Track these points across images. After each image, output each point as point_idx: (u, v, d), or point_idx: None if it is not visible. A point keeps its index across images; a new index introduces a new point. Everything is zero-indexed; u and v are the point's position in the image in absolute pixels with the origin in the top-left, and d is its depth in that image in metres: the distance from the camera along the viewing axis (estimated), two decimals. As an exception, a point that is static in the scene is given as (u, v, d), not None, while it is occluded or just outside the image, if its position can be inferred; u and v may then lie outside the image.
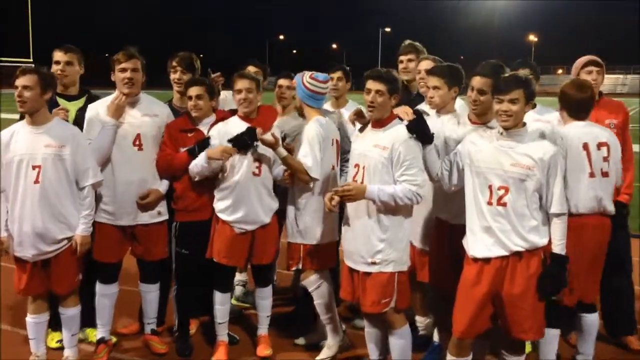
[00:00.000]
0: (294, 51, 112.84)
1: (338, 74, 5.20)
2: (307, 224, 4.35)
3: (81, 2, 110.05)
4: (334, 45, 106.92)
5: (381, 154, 3.79)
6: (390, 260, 3.83)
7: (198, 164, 4.26)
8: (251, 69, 5.25)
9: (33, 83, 3.91)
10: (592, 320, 4.24)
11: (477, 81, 3.87)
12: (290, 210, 4.40)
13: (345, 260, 4.02)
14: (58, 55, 4.55)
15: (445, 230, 4.11)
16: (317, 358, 4.55)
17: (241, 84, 4.32)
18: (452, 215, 4.04)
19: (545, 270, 3.61)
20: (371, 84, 3.83)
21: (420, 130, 3.79)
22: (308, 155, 4.17)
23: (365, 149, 3.88)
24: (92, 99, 4.63)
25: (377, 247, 3.82)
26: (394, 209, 3.80)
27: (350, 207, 3.95)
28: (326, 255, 4.41)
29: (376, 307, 3.87)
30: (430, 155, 3.85)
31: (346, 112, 4.86)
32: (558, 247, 3.60)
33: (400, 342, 3.98)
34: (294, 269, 4.53)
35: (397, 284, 3.86)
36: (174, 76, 4.84)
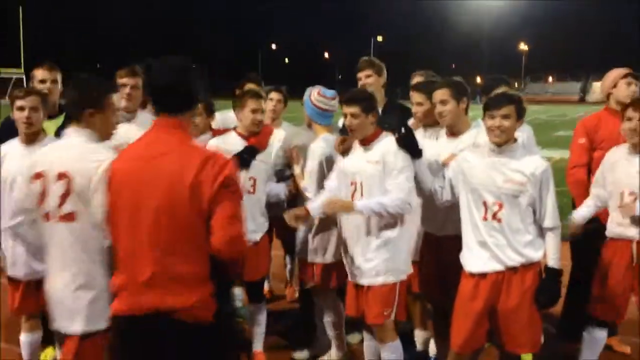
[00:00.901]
0: (286, 60, 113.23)
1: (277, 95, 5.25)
2: (320, 242, 4.37)
3: (73, 13, 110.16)
4: (326, 55, 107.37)
5: (375, 167, 3.82)
6: (392, 269, 3.85)
7: None
8: (250, 85, 5.25)
9: (38, 104, 3.94)
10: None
11: (437, 94, 3.98)
12: (302, 228, 4.38)
13: (349, 277, 4.03)
14: (43, 73, 4.58)
15: (432, 243, 4.14)
16: None
17: (257, 104, 4.35)
18: (438, 228, 4.09)
19: (541, 284, 3.66)
20: (345, 108, 3.88)
21: (408, 144, 3.80)
22: (308, 176, 4.26)
23: (359, 166, 3.90)
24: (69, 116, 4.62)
25: (378, 258, 3.83)
26: (391, 220, 3.81)
27: (347, 223, 3.96)
28: (340, 273, 4.37)
29: (379, 318, 3.88)
30: (420, 169, 3.85)
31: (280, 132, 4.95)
32: (552, 261, 3.65)
33: (391, 356, 3.98)
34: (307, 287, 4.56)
35: (397, 294, 3.88)
36: None
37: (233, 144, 4.33)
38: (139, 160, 2.73)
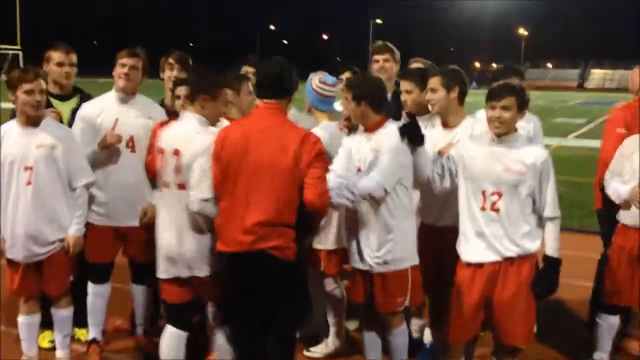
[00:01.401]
0: (285, 42, 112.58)
1: (347, 74, 5.07)
2: (324, 228, 4.36)
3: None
4: (325, 37, 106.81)
5: (374, 155, 3.79)
6: (401, 258, 3.82)
7: None
8: (249, 69, 5.18)
9: (44, 87, 3.91)
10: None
11: (429, 82, 4.00)
12: None
13: (353, 264, 3.96)
14: (58, 56, 4.50)
15: (429, 233, 4.11)
16: (312, 349, 4.61)
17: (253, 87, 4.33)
18: (435, 219, 4.09)
19: (540, 274, 3.68)
20: (344, 103, 3.98)
21: (411, 133, 3.73)
22: None
23: (362, 154, 3.87)
24: (84, 98, 4.62)
25: (385, 247, 3.79)
26: (394, 207, 3.77)
27: (352, 210, 3.90)
28: (342, 260, 4.39)
29: (392, 307, 3.88)
30: (420, 157, 3.78)
31: None
32: (551, 250, 3.67)
33: (399, 340, 4.00)
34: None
35: (411, 281, 3.86)
36: (169, 74, 4.79)
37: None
38: (247, 132, 3.48)
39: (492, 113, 3.62)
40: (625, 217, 4.29)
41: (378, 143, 3.78)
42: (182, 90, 4.29)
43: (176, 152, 3.66)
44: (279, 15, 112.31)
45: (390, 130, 3.78)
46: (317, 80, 4.38)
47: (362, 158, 3.85)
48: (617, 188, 4.25)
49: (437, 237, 4.02)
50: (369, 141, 3.85)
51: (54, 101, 4.48)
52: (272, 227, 3.42)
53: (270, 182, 3.39)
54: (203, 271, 3.77)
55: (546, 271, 3.68)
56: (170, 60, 4.81)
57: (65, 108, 4.50)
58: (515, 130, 3.68)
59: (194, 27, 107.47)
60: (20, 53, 47.27)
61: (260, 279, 3.49)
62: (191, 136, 3.66)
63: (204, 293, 3.91)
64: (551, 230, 3.67)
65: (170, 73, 4.79)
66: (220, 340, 4.13)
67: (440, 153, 3.92)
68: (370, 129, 3.86)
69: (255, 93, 4.36)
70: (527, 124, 4.38)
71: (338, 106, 4.60)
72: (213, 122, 3.83)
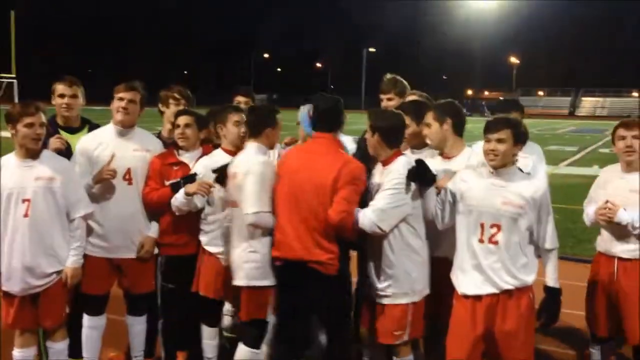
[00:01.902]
0: (279, 69, 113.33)
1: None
2: None
3: (64, 15, 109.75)
4: (319, 65, 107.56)
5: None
6: (402, 293, 3.88)
7: (178, 198, 4.26)
8: (240, 99, 5.26)
9: (45, 120, 3.94)
10: None
11: (426, 117, 4.07)
12: None
13: (361, 289, 4.13)
14: (61, 88, 4.53)
15: None
16: None
17: (239, 116, 4.37)
18: (431, 250, 4.07)
19: (543, 304, 3.76)
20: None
21: (420, 176, 3.78)
22: None
23: (375, 186, 3.94)
24: (93, 129, 4.65)
25: (386, 281, 3.88)
26: (395, 244, 3.83)
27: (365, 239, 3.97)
28: None
29: (389, 339, 3.93)
30: (428, 197, 3.85)
31: None
32: (552, 281, 3.75)
33: None
34: None
35: (410, 316, 3.90)
36: (174, 109, 4.74)
37: (220, 159, 4.31)
38: (301, 155, 4.04)
39: (487, 146, 3.66)
40: (599, 244, 4.35)
41: (385, 178, 3.84)
42: (182, 120, 4.42)
43: (234, 175, 4.04)
44: (272, 43, 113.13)
45: (398, 167, 3.82)
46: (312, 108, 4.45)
47: (373, 190, 3.92)
48: (588, 211, 4.31)
49: (433, 268, 4.02)
50: (381, 175, 3.92)
51: (63, 133, 4.52)
52: (315, 241, 3.78)
53: (316, 198, 3.77)
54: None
55: (549, 301, 3.76)
56: (176, 95, 4.83)
57: (74, 140, 4.50)
58: (514, 163, 3.72)
59: (185, 57, 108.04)
60: (15, 82, 47.39)
61: (304, 288, 3.88)
62: (248, 160, 4.02)
63: (241, 303, 4.15)
64: (551, 261, 3.75)
65: (175, 108, 4.75)
66: (205, 336, 4.40)
67: (437, 187, 3.91)
68: (383, 162, 3.93)
69: (245, 124, 4.43)
70: (530, 155, 4.37)
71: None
72: (272, 146, 4.35)
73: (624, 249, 4.14)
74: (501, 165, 3.66)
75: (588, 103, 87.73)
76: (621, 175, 4.22)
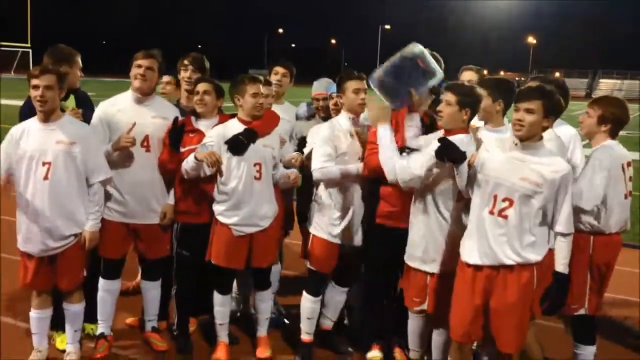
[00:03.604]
0: (293, 45, 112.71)
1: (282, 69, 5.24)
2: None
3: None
4: (333, 41, 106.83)
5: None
6: (427, 260, 4.02)
7: (188, 162, 4.28)
8: (279, 69, 5.23)
9: (53, 83, 3.94)
10: None
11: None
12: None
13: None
14: (47, 60, 4.47)
15: None
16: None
17: (256, 88, 4.34)
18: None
19: (548, 289, 3.64)
20: (443, 95, 3.89)
21: (446, 155, 3.67)
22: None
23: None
24: (78, 95, 4.63)
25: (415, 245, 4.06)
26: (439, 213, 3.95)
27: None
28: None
29: (412, 304, 4.13)
30: (461, 172, 3.72)
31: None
32: (561, 266, 3.62)
33: (439, 339, 4.19)
34: None
35: (428, 287, 4.04)
36: (184, 74, 4.87)
37: (233, 129, 4.34)
38: None
39: (515, 115, 3.54)
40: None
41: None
42: (201, 87, 4.45)
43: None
44: (287, 20, 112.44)
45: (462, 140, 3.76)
46: None
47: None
48: None
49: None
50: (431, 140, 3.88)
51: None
52: None
53: None
54: None
55: (555, 287, 3.64)
56: (185, 61, 4.88)
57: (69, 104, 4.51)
58: (541, 138, 3.58)
59: (201, 30, 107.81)
60: (30, 51, 47.51)
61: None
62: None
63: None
64: (563, 245, 3.61)
65: (184, 74, 4.86)
66: (217, 303, 4.49)
67: (469, 165, 3.79)
68: (447, 131, 3.86)
69: (267, 93, 4.49)
70: (565, 135, 4.27)
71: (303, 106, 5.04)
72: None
73: None
74: (526, 137, 3.52)
75: (605, 85, 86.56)
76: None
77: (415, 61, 4.15)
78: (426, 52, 4.18)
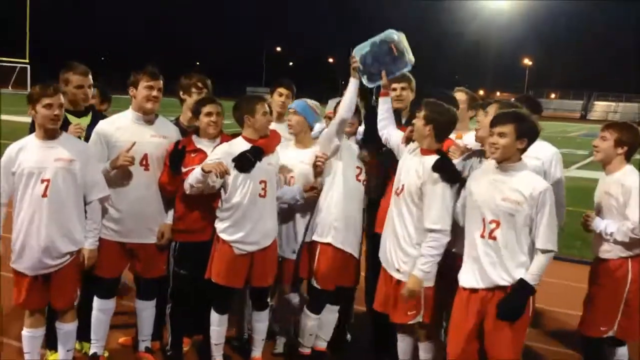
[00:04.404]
0: (290, 63, 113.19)
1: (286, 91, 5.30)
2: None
3: (79, 3, 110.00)
4: (331, 60, 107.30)
5: (417, 182, 4.02)
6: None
7: (194, 174, 4.27)
8: (282, 90, 5.29)
9: (62, 101, 3.98)
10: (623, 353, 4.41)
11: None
12: None
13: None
14: (79, 79, 4.53)
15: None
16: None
17: (265, 107, 4.42)
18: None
19: (508, 296, 3.65)
20: (417, 114, 4.05)
21: (443, 171, 3.94)
22: None
23: (410, 171, 4.10)
24: (96, 114, 4.69)
25: (403, 258, 4.06)
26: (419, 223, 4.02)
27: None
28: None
29: (405, 318, 4.10)
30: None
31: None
32: (529, 275, 3.62)
33: (426, 356, 4.20)
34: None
35: (424, 298, 4.05)
36: (198, 97, 4.77)
37: (239, 147, 4.37)
38: None
39: (490, 139, 3.71)
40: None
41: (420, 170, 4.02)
42: (214, 108, 4.49)
43: None
44: (285, 37, 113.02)
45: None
46: (309, 100, 4.76)
47: (407, 171, 4.15)
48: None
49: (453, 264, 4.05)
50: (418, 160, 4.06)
51: (70, 117, 4.53)
52: None
53: None
54: None
55: (514, 295, 3.63)
56: (199, 83, 4.86)
57: (82, 122, 4.52)
58: (520, 159, 3.71)
59: (199, 47, 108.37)
60: (28, 67, 47.63)
61: None
62: None
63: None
64: (539, 260, 3.62)
65: (197, 97, 4.78)
66: (214, 323, 4.47)
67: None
68: (426, 152, 4.04)
69: (273, 114, 4.65)
70: (546, 155, 4.42)
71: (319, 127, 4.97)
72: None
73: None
74: (502, 159, 3.68)
75: (600, 107, 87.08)
76: (603, 177, 4.32)
77: (390, 46, 4.42)
78: (403, 39, 4.43)
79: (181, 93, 4.91)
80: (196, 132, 4.56)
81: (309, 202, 4.64)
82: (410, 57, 4.43)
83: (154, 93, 4.37)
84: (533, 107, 4.44)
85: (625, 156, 4.21)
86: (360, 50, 4.50)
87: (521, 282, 3.62)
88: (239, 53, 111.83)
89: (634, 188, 4.05)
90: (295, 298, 4.87)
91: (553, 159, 4.48)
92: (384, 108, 4.54)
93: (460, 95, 4.86)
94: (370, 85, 4.54)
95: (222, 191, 4.35)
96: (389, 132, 4.49)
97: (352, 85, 4.48)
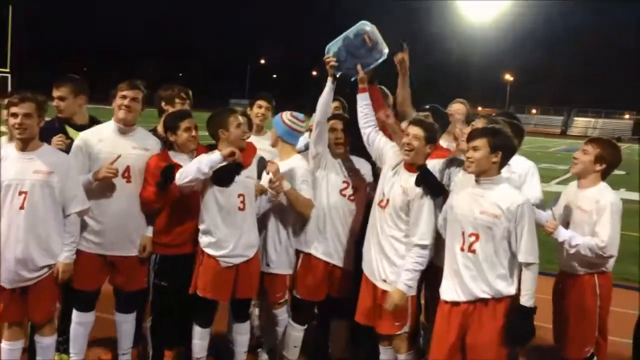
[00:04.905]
0: (274, 76, 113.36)
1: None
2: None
3: (62, 11, 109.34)
4: (314, 73, 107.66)
5: (403, 198, 4.04)
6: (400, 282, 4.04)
7: (212, 158, 4.15)
8: (262, 103, 5.32)
9: (32, 110, 3.91)
10: None
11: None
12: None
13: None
14: (53, 91, 4.55)
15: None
16: None
17: (240, 119, 4.40)
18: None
19: (512, 323, 3.68)
20: (411, 129, 4.04)
21: (426, 184, 4.00)
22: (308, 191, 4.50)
23: (394, 185, 4.12)
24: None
25: (390, 268, 4.08)
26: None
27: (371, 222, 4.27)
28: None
29: (392, 329, 4.13)
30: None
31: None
32: (524, 298, 3.67)
33: None
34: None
35: (410, 308, 4.10)
36: (180, 108, 4.81)
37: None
38: None
39: (466, 154, 3.79)
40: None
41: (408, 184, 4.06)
42: (193, 123, 4.47)
43: None
44: (269, 50, 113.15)
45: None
46: (289, 114, 4.64)
47: (391, 187, 4.17)
48: None
49: (435, 276, 4.10)
50: (406, 177, 4.09)
51: (70, 129, 4.55)
52: None
53: None
54: None
55: (518, 321, 3.67)
56: (182, 94, 4.88)
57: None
58: (498, 173, 3.76)
59: (181, 58, 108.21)
60: (9, 76, 47.24)
61: None
62: None
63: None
64: (527, 276, 3.67)
65: (181, 107, 4.81)
66: (196, 336, 4.42)
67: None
68: (413, 169, 4.08)
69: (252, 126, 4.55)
70: (522, 168, 4.41)
71: (303, 140, 4.91)
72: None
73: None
74: (477, 172, 3.74)
75: (580, 123, 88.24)
76: (573, 189, 4.36)
77: (364, 37, 4.42)
78: (375, 30, 4.44)
79: (163, 104, 4.89)
80: (171, 146, 4.50)
81: (283, 216, 4.61)
82: (384, 46, 4.42)
83: (126, 102, 4.34)
84: (511, 120, 4.38)
85: (602, 173, 4.21)
86: (333, 47, 4.48)
87: (520, 308, 3.65)
88: (223, 65, 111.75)
89: (609, 205, 4.06)
90: (283, 314, 4.80)
91: (529, 172, 4.46)
92: (363, 104, 4.50)
93: (458, 107, 4.95)
94: (347, 80, 4.50)
95: (201, 206, 4.33)
96: (372, 135, 4.44)
97: (328, 87, 4.47)
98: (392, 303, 3.99)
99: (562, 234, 4.10)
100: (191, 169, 4.14)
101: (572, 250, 4.07)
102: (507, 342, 3.68)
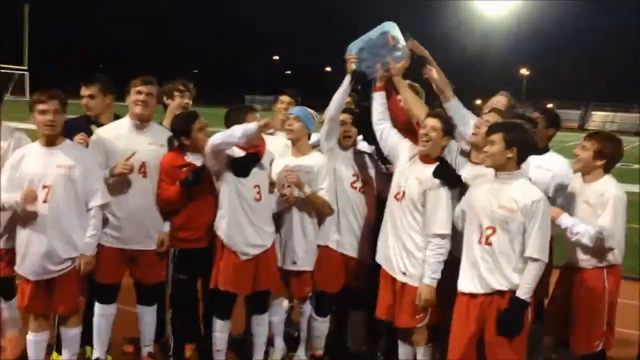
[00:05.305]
0: (288, 72, 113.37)
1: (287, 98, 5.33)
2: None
3: (78, 9, 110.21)
4: (328, 69, 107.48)
5: (419, 188, 4.08)
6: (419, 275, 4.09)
7: (249, 128, 4.15)
8: (284, 98, 5.36)
9: (58, 107, 4.01)
10: None
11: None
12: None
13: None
14: (82, 89, 4.64)
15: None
16: None
17: (254, 117, 4.46)
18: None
19: (504, 313, 3.71)
20: (428, 120, 4.08)
21: (444, 176, 4.05)
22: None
23: (410, 177, 4.16)
24: None
25: (411, 261, 4.11)
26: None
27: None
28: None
29: (413, 322, 4.14)
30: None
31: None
32: (522, 290, 3.68)
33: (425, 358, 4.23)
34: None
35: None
36: (181, 101, 4.95)
37: (236, 155, 4.38)
38: None
39: (484, 147, 3.83)
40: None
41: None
42: (204, 122, 4.49)
43: None
44: (283, 47, 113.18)
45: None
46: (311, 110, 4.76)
47: (406, 178, 4.23)
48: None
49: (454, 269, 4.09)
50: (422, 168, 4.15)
51: (94, 128, 4.61)
52: None
53: None
54: None
55: (510, 312, 3.69)
56: (181, 87, 4.96)
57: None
58: (517, 168, 3.78)
59: (196, 55, 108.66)
60: (27, 73, 47.64)
61: None
62: None
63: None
64: (530, 271, 3.68)
65: (183, 100, 4.93)
66: (217, 329, 4.47)
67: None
68: (429, 160, 4.13)
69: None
70: (555, 166, 4.52)
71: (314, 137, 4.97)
72: None
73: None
74: (493, 166, 3.79)
75: (598, 117, 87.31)
76: (579, 184, 4.34)
77: (387, 38, 4.50)
78: (397, 30, 4.50)
79: (165, 98, 4.99)
80: (183, 147, 4.50)
81: (308, 213, 4.63)
82: (405, 46, 4.49)
83: (142, 97, 4.40)
84: (524, 118, 4.42)
85: (604, 168, 4.20)
86: (355, 46, 4.55)
87: (515, 299, 3.68)
88: (238, 61, 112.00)
89: (612, 198, 4.06)
90: (307, 306, 4.86)
91: (562, 169, 4.53)
92: (379, 103, 4.54)
93: (499, 99, 4.92)
94: (365, 79, 4.58)
95: (220, 197, 4.39)
96: (387, 131, 4.47)
97: (345, 84, 4.54)
98: (423, 299, 4.04)
99: (565, 221, 4.09)
100: (224, 134, 4.21)
101: (574, 238, 4.06)
102: (498, 332, 3.70)
